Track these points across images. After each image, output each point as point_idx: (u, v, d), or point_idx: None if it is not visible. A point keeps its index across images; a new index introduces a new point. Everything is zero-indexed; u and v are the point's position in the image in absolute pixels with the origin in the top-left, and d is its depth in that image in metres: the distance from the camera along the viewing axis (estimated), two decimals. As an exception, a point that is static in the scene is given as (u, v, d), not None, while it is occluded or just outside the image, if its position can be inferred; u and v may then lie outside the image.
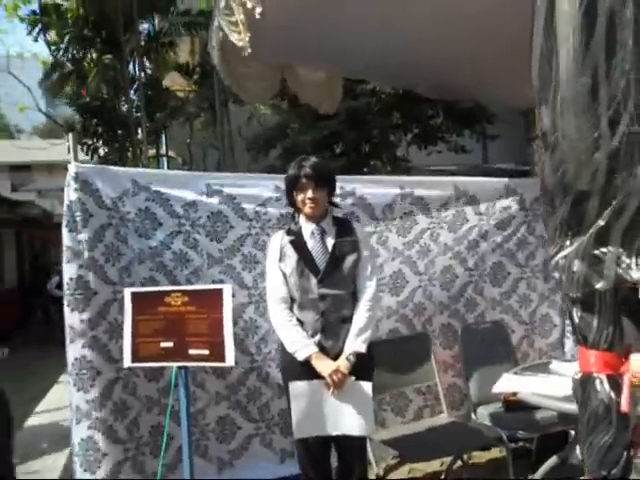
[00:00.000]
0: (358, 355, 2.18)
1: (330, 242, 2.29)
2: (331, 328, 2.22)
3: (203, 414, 2.72)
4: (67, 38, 8.61)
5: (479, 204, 3.27)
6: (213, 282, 2.65)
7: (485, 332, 3.24)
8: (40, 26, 8.69)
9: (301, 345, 2.19)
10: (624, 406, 0.93)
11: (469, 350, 3.11)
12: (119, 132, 8.18)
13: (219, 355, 2.18)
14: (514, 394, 2.41)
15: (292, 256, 2.26)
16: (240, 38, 2.65)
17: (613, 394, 0.94)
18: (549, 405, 2.10)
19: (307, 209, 2.28)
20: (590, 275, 0.92)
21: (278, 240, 2.33)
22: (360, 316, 2.24)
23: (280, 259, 2.28)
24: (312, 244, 2.29)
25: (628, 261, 0.89)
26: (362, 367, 2.20)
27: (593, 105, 0.91)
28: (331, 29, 2.85)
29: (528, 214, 3.37)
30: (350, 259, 2.28)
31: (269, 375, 2.79)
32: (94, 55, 8.63)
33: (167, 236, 2.63)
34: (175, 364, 2.22)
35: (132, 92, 8.84)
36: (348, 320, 2.24)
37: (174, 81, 9.38)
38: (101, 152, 8.64)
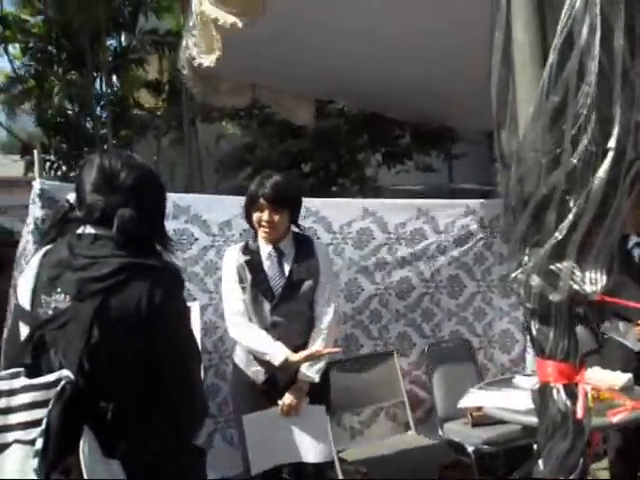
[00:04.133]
0: (312, 384, 2.12)
1: (287, 266, 2.17)
2: None
3: None
4: (30, 53, 8.50)
5: (437, 224, 3.38)
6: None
7: (451, 348, 3.30)
8: (1, 40, 8.56)
9: (274, 350, 2.08)
10: (579, 414, 0.97)
11: (435, 366, 3.16)
12: (84, 149, 8.06)
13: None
14: (479, 409, 2.45)
15: (247, 277, 2.15)
16: (209, 57, 2.69)
17: (569, 402, 0.98)
18: (512, 419, 2.14)
19: (262, 232, 2.16)
20: (546, 288, 0.97)
21: (234, 258, 2.21)
22: (315, 345, 2.13)
23: (238, 280, 2.17)
24: (268, 266, 2.17)
25: (581, 275, 0.94)
26: (315, 393, 2.14)
27: (559, 123, 0.96)
28: (301, 50, 2.91)
29: (486, 231, 3.47)
30: (307, 284, 2.16)
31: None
32: (59, 70, 8.53)
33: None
34: None
35: (98, 109, 8.74)
36: (301, 349, 2.13)
37: (143, 98, 9.32)
38: (64, 169, 8.49)
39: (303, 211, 2.94)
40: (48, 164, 8.46)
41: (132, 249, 1.24)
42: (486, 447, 2.78)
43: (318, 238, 2.99)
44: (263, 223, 2.14)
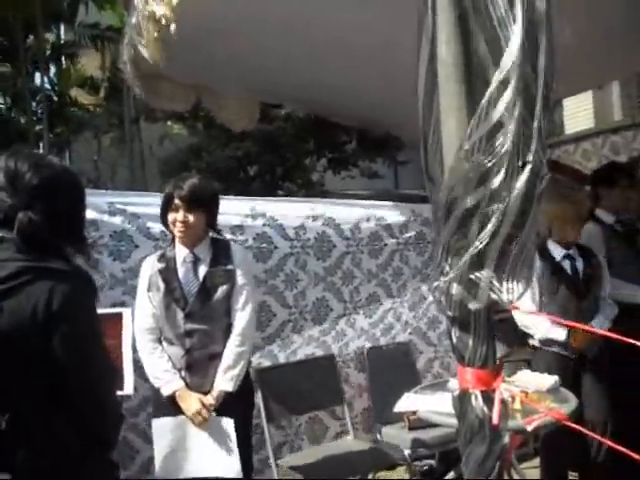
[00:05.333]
0: (227, 393, 2.08)
1: (202, 271, 2.13)
2: (197, 366, 2.10)
3: None
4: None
5: (390, 226, 3.43)
6: (113, 305, 2.53)
7: (391, 353, 3.34)
8: None
9: (165, 380, 2.07)
10: (495, 419, 1.00)
11: (376, 371, 3.19)
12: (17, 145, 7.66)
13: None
14: (414, 412, 2.49)
15: (160, 286, 2.12)
16: (151, 55, 2.62)
17: (486, 408, 1.01)
18: (445, 422, 2.18)
19: (177, 232, 2.13)
20: (465, 297, 1.00)
21: (149, 266, 2.18)
22: (229, 352, 2.10)
23: (149, 288, 2.14)
24: (183, 272, 2.13)
25: (498, 284, 0.97)
26: (234, 404, 2.09)
27: (495, 138, 0.98)
28: (246, 53, 2.88)
29: None
30: (223, 289, 2.12)
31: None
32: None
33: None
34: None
35: (34, 104, 8.34)
36: (217, 357, 2.10)
37: (82, 95, 8.97)
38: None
39: (249, 210, 2.94)
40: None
41: (36, 252, 1.18)
42: (422, 450, 2.83)
43: (276, 247, 2.97)
44: (177, 223, 2.12)
